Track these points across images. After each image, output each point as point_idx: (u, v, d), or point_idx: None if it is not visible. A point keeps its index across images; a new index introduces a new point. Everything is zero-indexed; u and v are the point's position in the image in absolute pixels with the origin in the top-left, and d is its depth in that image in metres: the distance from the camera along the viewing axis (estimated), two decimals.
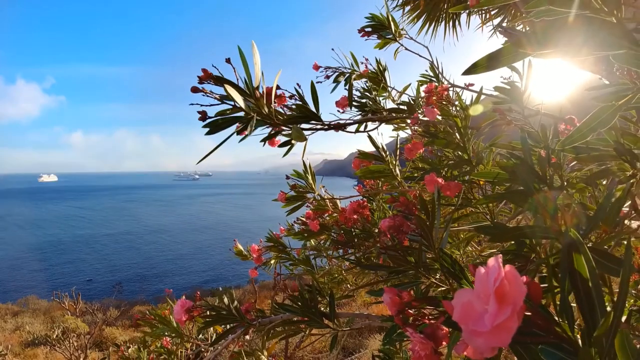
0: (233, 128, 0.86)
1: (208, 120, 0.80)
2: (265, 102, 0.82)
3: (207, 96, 0.77)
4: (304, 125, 0.95)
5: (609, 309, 0.35)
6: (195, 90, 0.76)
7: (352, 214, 1.15)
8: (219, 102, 0.79)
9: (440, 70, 1.83)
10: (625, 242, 0.58)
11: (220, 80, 0.76)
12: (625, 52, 0.41)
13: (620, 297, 0.34)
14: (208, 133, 0.81)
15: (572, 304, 0.40)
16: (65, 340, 6.35)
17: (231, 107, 0.80)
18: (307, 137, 0.91)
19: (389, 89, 1.86)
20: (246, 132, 0.82)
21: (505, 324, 0.31)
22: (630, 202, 0.63)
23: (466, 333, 0.32)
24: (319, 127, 1.00)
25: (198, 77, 0.76)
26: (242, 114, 0.80)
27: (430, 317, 0.46)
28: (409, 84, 1.87)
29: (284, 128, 0.91)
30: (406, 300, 0.46)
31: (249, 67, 0.79)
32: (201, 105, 0.79)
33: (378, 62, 1.85)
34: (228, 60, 0.78)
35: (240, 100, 0.75)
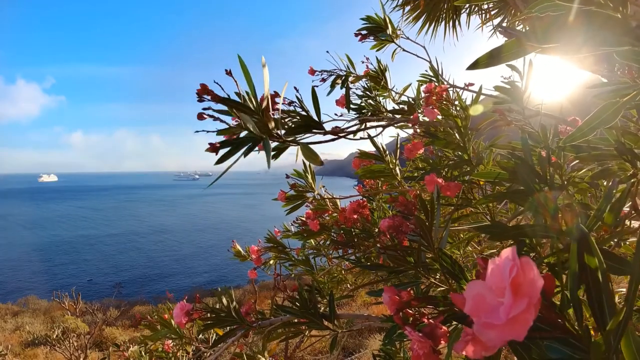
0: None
1: (220, 154, 0.73)
2: (270, 116, 0.78)
3: (215, 119, 0.72)
4: (305, 136, 0.92)
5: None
6: (201, 117, 0.71)
7: (352, 213, 1.15)
8: (228, 126, 0.74)
9: (440, 70, 1.83)
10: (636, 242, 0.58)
11: (229, 104, 0.70)
12: (629, 49, 0.40)
13: (630, 294, 0.33)
14: (218, 162, 0.74)
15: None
16: (65, 340, 6.35)
17: (235, 126, 0.76)
18: (322, 160, 0.85)
19: (390, 88, 1.86)
20: (257, 152, 0.78)
21: (521, 317, 0.30)
22: (630, 202, 0.63)
23: (478, 326, 0.31)
24: (322, 139, 0.96)
25: (196, 92, 0.70)
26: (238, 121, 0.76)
27: (429, 316, 0.45)
28: (409, 85, 1.87)
29: (288, 142, 0.87)
30: (405, 299, 0.46)
31: (252, 81, 0.74)
32: (207, 131, 0.74)
33: (379, 62, 1.85)
34: (229, 73, 0.73)
35: (254, 128, 0.71)
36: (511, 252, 0.32)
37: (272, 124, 0.76)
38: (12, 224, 45.75)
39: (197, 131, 0.74)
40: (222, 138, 0.75)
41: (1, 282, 22.95)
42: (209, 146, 0.72)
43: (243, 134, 0.77)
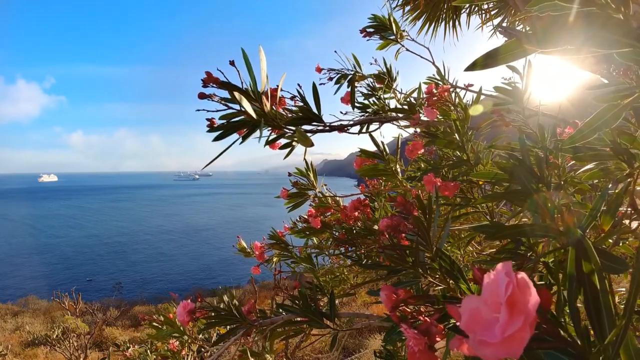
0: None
1: (218, 132, 0.78)
2: (269, 105, 0.82)
3: (216, 102, 0.76)
4: (306, 127, 0.95)
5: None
6: (202, 96, 0.74)
7: (353, 210, 1.16)
8: (226, 108, 0.78)
9: (447, 74, 1.83)
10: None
11: (228, 87, 0.74)
12: (630, 50, 0.40)
13: (630, 302, 0.33)
14: (216, 139, 0.80)
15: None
16: (65, 340, 6.35)
17: (235, 111, 0.80)
18: (312, 142, 0.89)
19: (394, 88, 1.87)
20: (253, 136, 0.82)
21: (517, 335, 0.29)
22: (628, 201, 0.63)
23: (474, 342, 0.31)
24: (320, 128, 1.00)
25: (202, 80, 0.74)
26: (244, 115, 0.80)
27: (425, 314, 0.46)
28: (415, 88, 1.87)
29: (286, 130, 0.90)
30: (402, 297, 0.46)
31: (253, 71, 0.78)
32: (207, 110, 0.78)
33: (385, 63, 1.86)
34: (232, 63, 0.77)
35: (250, 109, 0.74)
36: (507, 267, 0.32)
37: (268, 109, 0.80)
38: (19, 223, 45.43)
39: (197, 110, 0.78)
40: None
41: (43, 283, 22.24)
42: (208, 122, 0.78)
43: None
